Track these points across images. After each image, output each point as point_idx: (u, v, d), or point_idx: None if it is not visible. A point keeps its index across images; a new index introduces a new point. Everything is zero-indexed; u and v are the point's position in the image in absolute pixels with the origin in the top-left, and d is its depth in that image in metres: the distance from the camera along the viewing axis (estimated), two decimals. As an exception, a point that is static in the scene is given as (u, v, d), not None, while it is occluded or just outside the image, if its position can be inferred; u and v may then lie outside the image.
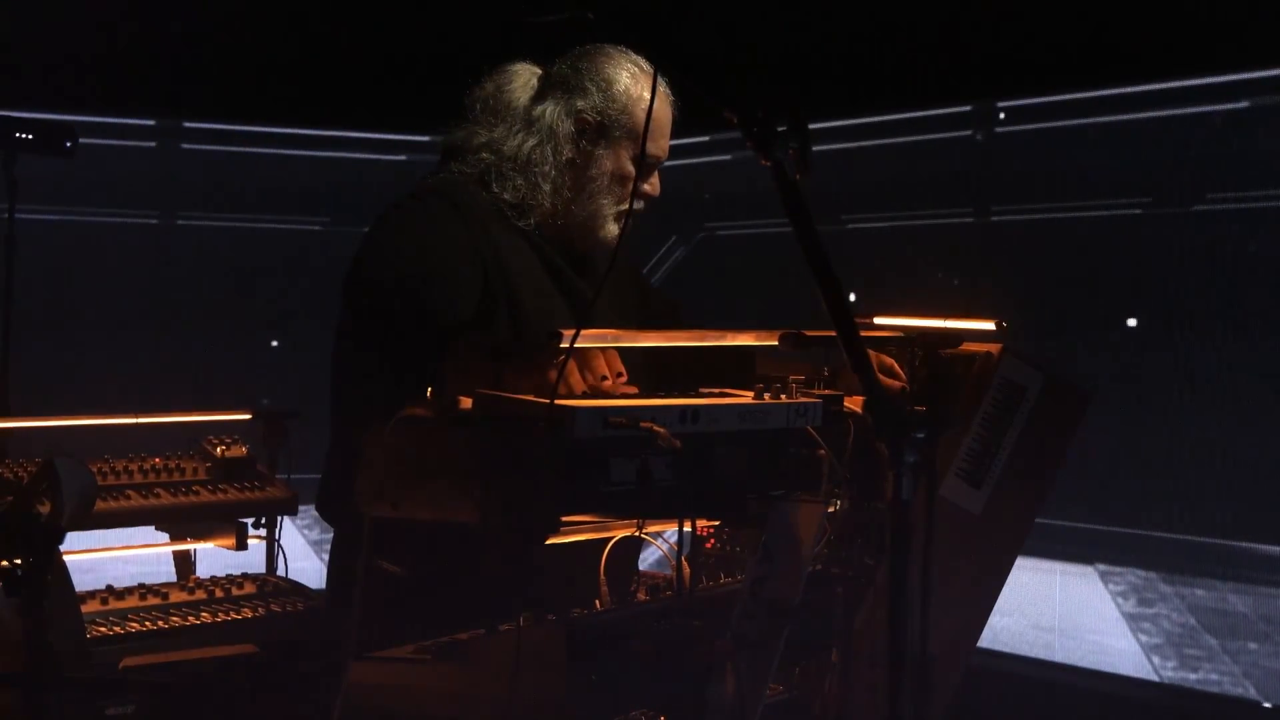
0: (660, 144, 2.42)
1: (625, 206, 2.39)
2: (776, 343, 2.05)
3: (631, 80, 2.40)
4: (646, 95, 2.37)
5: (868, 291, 5.53)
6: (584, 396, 1.87)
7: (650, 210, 2.50)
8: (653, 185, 2.45)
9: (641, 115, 2.37)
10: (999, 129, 6.03)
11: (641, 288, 2.68)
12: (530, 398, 1.69)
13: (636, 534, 2.03)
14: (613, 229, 2.41)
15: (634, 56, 2.43)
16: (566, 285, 2.40)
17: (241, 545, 3.30)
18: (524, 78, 2.45)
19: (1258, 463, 5.07)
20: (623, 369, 1.95)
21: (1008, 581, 2.31)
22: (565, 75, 2.42)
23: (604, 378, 1.92)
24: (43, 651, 1.93)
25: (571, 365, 1.88)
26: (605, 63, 2.41)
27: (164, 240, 7.43)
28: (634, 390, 1.96)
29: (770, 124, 1.76)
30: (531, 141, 2.38)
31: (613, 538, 2.02)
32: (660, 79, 2.36)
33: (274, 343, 7.53)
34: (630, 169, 2.39)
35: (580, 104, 2.39)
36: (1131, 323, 5.57)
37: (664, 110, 2.41)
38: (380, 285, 2.25)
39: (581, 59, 2.43)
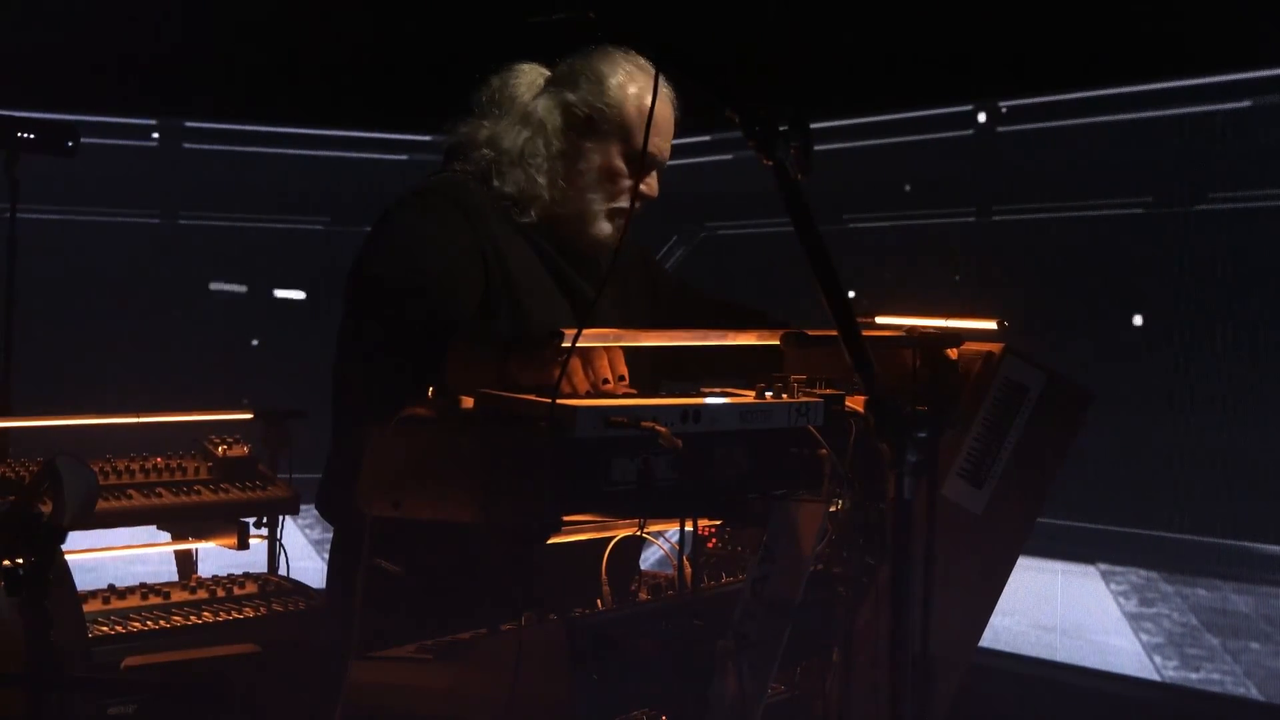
0: (655, 142, 2.38)
1: (617, 204, 2.39)
2: (778, 342, 2.05)
3: (626, 78, 2.39)
4: (640, 93, 2.37)
5: (869, 291, 5.53)
6: (586, 396, 1.87)
7: (650, 210, 2.49)
8: (649, 185, 2.43)
9: (633, 112, 2.37)
10: (1000, 128, 6.03)
11: (652, 279, 2.67)
12: (532, 397, 1.69)
13: (638, 533, 2.03)
14: (605, 226, 2.40)
15: (635, 57, 2.42)
16: (568, 284, 2.40)
17: (243, 545, 3.31)
18: (530, 77, 2.45)
19: (1258, 463, 5.06)
20: (625, 371, 1.95)
21: (1009, 581, 2.31)
22: (564, 72, 2.44)
23: (605, 380, 1.91)
24: (44, 651, 1.93)
25: (575, 364, 1.88)
26: (601, 60, 2.42)
27: (165, 240, 7.44)
28: (634, 392, 1.96)
29: (772, 123, 1.76)
30: (525, 134, 2.39)
31: (614, 537, 2.02)
32: (664, 81, 2.36)
33: (254, 341, 7.53)
34: (620, 165, 2.38)
35: (570, 97, 2.40)
36: (1138, 321, 5.57)
37: (663, 110, 2.40)
38: (383, 284, 2.25)
39: (581, 57, 2.43)
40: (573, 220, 2.40)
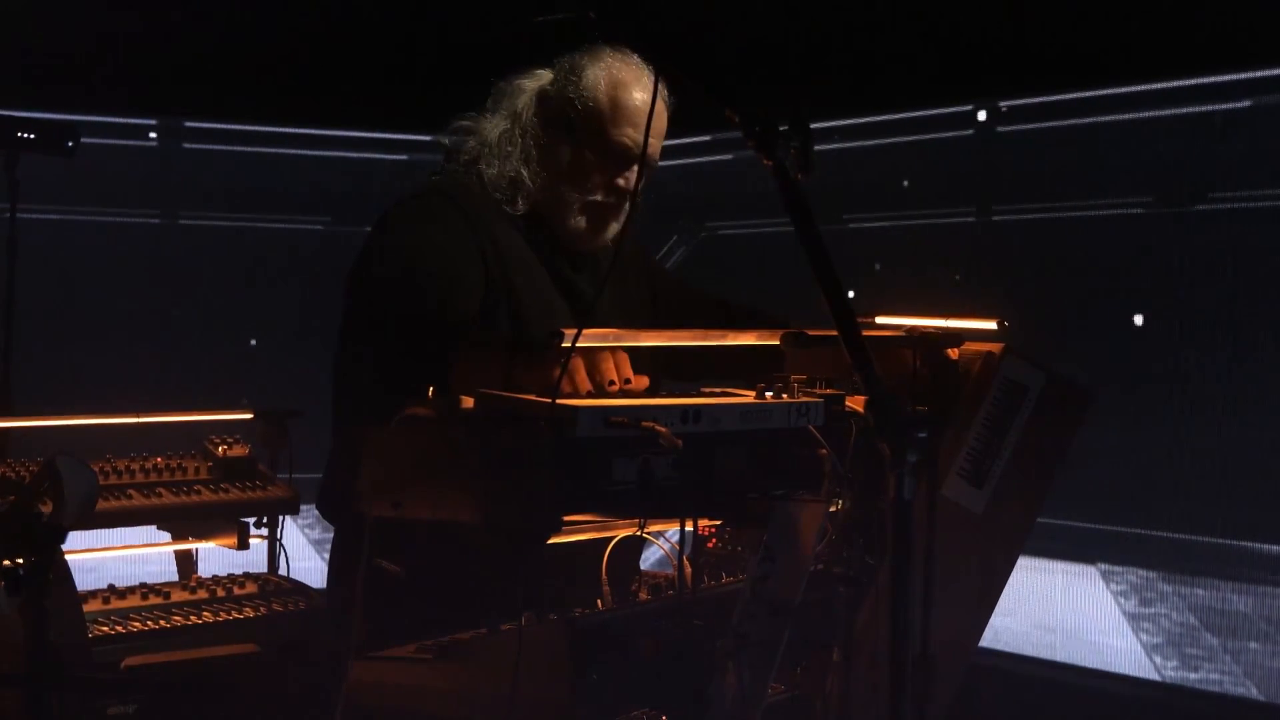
0: (628, 132, 2.35)
1: (593, 199, 2.38)
2: (778, 342, 2.05)
3: (603, 72, 2.37)
4: (617, 88, 2.36)
5: (869, 291, 5.53)
6: (588, 397, 1.87)
7: (650, 210, 2.48)
8: (627, 180, 2.37)
9: (607, 107, 2.35)
10: (1000, 128, 6.03)
11: (651, 279, 2.66)
12: (532, 397, 1.69)
13: (638, 533, 2.03)
14: (580, 221, 2.39)
15: (626, 55, 2.39)
16: (566, 284, 2.40)
17: (243, 545, 3.31)
18: (540, 81, 2.45)
19: (1258, 463, 5.06)
20: (631, 374, 1.94)
21: (1009, 581, 2.31)
22: (554, 69, 2.43)
23: (611, 382, 1.91)
24: (44, 651, 1.93)
25: (580, 366, 1.88)
26: (585, 57, 2.40)
27: (164, 240, 7.44)
28: (637, 391, 1.95)
29: (772, 123, 1.76)
30: (503, 125, 2.39)
31: (614, 537, 2.02)
32: (649, 74, 2.35)
33: (252, 341, 7.53)
34: (594, 160, 2.36)
35: (546, 89, 2.40)
36: (1139, 320, 5.57)
37: (642, 101, 2.34)
38: (386, 284, 2.25)
39: (570, 55, 2.42)
40: (552, 214, 2.40)
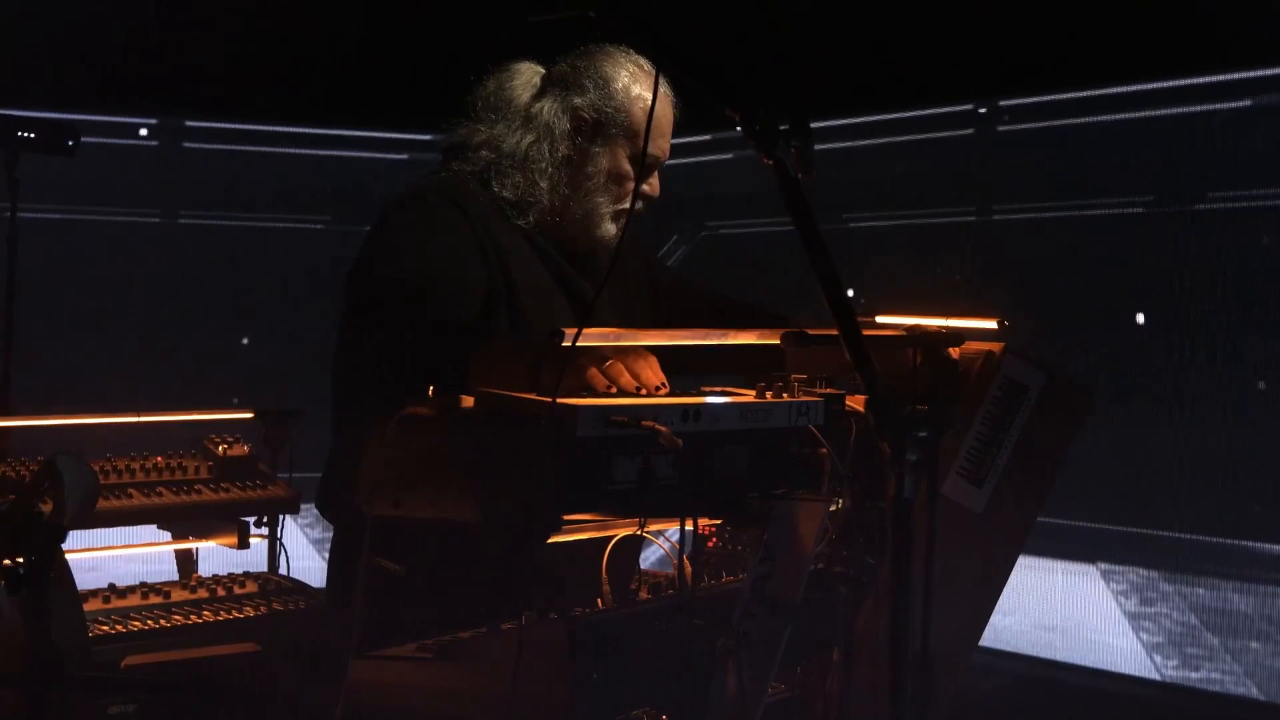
0: (659, 144, 2.40)
1: (623, 205, 2.39)
2: (778, 341, 2.04)
3: (630, 79, 2.40)
4: (644, 94, 2.38)
5: (870, 290, 5.53)
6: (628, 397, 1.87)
7: (650, 209, 2.50)
8: (652, 185, 2.44)
9: (639, 114, 2.37)
10: (1001, 127, 6.04)
11: (652, 278, 2.66)
12: (532, 396, 1.69)
13: (638, 533, 2.03)
14: (610, 228, 2.41)
15: (635, 57, 2.43)
16: (567, 284, 2.40)
17: (243, 544, 3.31)
18: (526, 76, 2.45)
19: (1258, 463, 5.07)
20: (664, 378, 1.95)
21: (1009, 580, 2.30)
22: (564, 73, 2.43)
23: (660, 386, 1.91)
24: (45, 650, 1.93)
25: (620, 367, 1.88)
26: (605, 61, 2.42)
27: (164, 240, 7.44)
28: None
29: (772, 123, 1.76)
30: (529, 139, 2.38)
31: (614, 536, 2.02)
32: (661, 79, 2.36)
33: (244, 340, 7.54)
34: (627, 168, 2.39)
35: (577, 101, 2.39)
36: (1139, 320, 5.57)
37: (664, 110, 2.40)
38: (387, 285, 2.24)
39: (581, 58, 2.43)
40: (577, 223, 2.40)
